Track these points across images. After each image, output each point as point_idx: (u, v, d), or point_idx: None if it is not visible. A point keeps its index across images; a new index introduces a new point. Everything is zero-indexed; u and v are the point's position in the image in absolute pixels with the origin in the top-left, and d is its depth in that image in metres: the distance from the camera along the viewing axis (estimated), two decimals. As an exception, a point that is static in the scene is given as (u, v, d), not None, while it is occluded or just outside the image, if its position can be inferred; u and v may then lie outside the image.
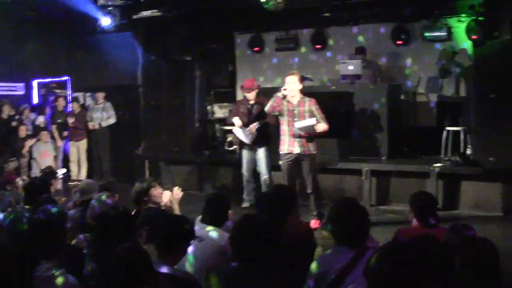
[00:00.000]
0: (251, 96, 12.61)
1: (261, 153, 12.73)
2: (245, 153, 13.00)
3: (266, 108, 11.34)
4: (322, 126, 10.92)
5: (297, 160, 11.14)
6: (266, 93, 12.98)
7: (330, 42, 17.07)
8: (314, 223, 10.93)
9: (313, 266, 5.03)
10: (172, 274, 4.97)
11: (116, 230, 5.59)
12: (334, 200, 6.82)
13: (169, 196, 7.89)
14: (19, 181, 11.75)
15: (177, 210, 7.78)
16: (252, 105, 12.65)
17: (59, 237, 5.73)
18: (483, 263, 4.35)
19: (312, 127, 10.86)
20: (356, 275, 4.74)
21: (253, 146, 12.74)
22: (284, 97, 11.08)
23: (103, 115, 17.09)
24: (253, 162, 12.95)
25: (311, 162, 11.10)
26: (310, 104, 11.07)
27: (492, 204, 12.45)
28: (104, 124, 17.16)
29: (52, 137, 17.48)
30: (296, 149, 11.07)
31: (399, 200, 12.85)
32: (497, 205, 12.40)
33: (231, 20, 17.39)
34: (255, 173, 13.04)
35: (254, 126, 12.42)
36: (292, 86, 11.04)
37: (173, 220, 5.68)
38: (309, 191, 11.28)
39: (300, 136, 10.99)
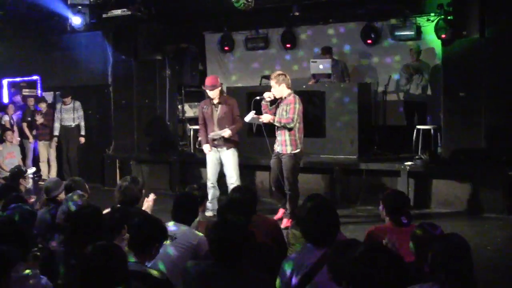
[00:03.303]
0: (214, 94, 11.97)
1: (227, 155, 12.13)
2: (210, 156, 12.27)
3: None
4: (265, 117, 11.22)
5: (278, 158, 11.35)
6: (237, 93, 12.99)
7: (300, 41, 17.11)
8: (286, 222, 11.13)
9: (284, 264, 5.05)
10: (146, 272, 4.98)
11: (88, 228, 5.56)
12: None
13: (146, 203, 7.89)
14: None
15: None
16: (217, 104, 12.05)
17: (28, 236, 5.70)
18: (455, 257, 4.38)
19: (256, 119, 11.34)
20: (325, 273, 4.76)
21: (220, 148, 12.13)
22: (272, 102, 11.38)
23: (75, 115, 16.97)
24: (219, 165, 12.28)
25: (287, 161, 11.19)
26: (287, 103, 11.17)
27: (462, 202, 12.52)
28: (82, 132, 17.11)
29: (23, 136, 17.44)
30: (277, 148, 11.37)
31: (370, 199, 12.90)
32: (467, 202, 12.47)
33: (201, 20, 17.39)
34: (220, 178, 12.40)
35: (224, 132, 11.96)
36: (273, 90, 11.28)
37: (146, 220, 5.66)
38: (285, 189, 11.37)
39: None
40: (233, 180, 12.00)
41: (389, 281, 3.71)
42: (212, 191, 12.13)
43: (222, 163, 12.22)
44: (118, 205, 7.26)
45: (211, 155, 12.23)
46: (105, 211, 7.25)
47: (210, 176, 12.26)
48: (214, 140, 12.12)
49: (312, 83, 15.19)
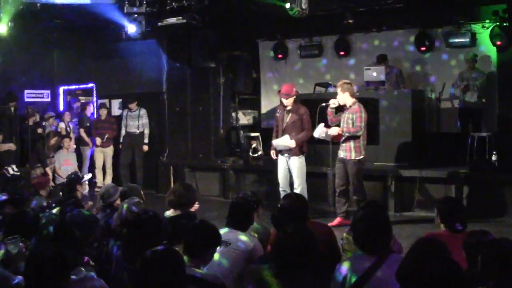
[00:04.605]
0: (288, 102, 12.24)
1: (293, 162, 12.28)
2: (280, 160, 12.50)
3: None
4: (333, 130, 11.69)
5: (343, 164, 11.81)
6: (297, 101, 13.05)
7: (354, 48, 17.05)
8: (338, 221, 11.81)
9: (337, 271, 5.05)
10: (201, 277, 5.02)
11: (147, 234, 5.63)
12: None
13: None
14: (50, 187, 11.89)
15: None
16: (288, 112, 12.30)
17: (87, 240, 5.82)
18: (505, 262, 4.38)
19: (325, 133, 11.79)
20: (376, 280, 4.81)
21: (286, 153, 12.32)
22: (337, 109, 11.88)
23: (140, 122, 17.13)
24: (288, 170, 12.43)
25: (352, 167, 11.71)
26: (352, 111, 11.64)
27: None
28: (146, 140, 17.24)
29: (81, 143, 17.73)
30: (340, 154, 11.85)
31: (424, 206, 12.85)
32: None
33: (255, 27, 17.45)
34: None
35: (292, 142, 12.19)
36: (338, 97, 11.78)
37: (201, 225, 5.72)
38: (352, 193, 11.96)
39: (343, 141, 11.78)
40: (296, 186, 12.29)
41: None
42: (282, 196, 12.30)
43: (289, 169, 12.44)
44: (176, 211, 7.34)
45: (281, 160, 12.50)
46: (168, 213, 7.35)
47: (280, 181, 12.53)
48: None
49: (368, 89, 15.11)
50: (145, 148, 17.21)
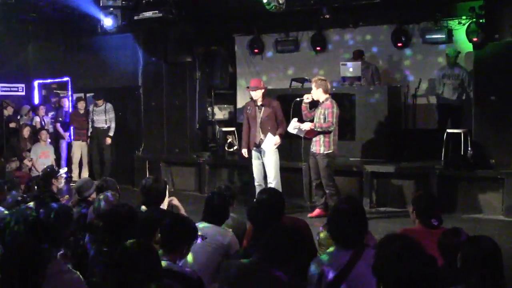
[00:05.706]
0: (257, 95, 12.36)
1: (268, 155, 12.37)
2: (254, 155, 12.61)
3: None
4: (306, 125, 11.87)
5: (314, 158, 12.07)
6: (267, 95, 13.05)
7: (330, 44, 17.06)
8: (317, 211, 12.15)
9: (313, 267, 5.03)
10: (178, 271, 5.01)
11: (122, 227, 5.62)
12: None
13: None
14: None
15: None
16: (260, 106, 12.43)
17: (62, 235, 5.78)
18: (486, 260, 4.38)
19: (298, 128, 11.93)
20: (355, 275, 4.79)
21: (261, 149, 12.42)
22: (311, 104, 12.06)
23: (106, 117, 17.12)
24: (262, 164, 12.55)
25: (321, 161, 11.90)
26: (325, 107, 11.81)
27: (492, 206, 12.44)
28: (111, 133, 17.27)
29: (58, 136, 17.70)
30: (312, 148, 12.05)
31: (400, 202, 12.89)
32: (499, 207, 12.39)
33: (231, 22, 17.43)
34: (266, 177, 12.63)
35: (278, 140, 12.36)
36: (312, 93, 11.96)
37: (178, 220, 5.70)
38: (324, 187, 12.02)
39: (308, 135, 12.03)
40: (271, 180, 12.38)
41: (422, 282, 3.71)
42: (258, 190, 12.31)
43: (264, 164, 12.56)
44: (143, 205, 7.33)
45: (255, 155, 12.62)
46: (143, 207, 7.33)
47: (255, 175, 12.67)
48: (255, 141, 12.54)
49: (345, 85, 15.14)
50: (108, 140, 17.29)
